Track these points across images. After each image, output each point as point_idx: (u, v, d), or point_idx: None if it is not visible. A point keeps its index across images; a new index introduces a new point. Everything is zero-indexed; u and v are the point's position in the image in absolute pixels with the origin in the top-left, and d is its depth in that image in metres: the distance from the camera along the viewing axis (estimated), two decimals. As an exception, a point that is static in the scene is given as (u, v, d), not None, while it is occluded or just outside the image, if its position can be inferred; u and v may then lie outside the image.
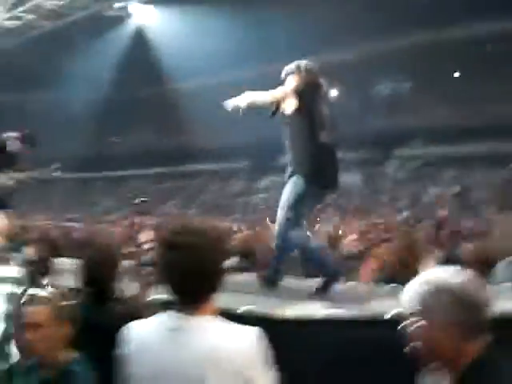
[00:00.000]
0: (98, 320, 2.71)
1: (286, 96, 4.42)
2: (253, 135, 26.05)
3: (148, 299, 3.43)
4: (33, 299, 2.69)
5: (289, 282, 4.58)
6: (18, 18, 32.93)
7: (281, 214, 4.49)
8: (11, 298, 3.53)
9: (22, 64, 35.17)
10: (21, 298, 3.58)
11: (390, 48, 25.59)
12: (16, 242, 7.48)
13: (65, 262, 5.22)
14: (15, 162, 6.71)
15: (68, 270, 4.78)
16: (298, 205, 4.41)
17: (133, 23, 32.83)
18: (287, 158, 4.58)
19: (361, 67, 26.23)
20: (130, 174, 34.42)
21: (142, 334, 2.10)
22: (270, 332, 2.08)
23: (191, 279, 2.00)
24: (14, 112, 33.25)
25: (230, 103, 4.29)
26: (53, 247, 4.86)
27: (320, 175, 4.42)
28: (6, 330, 3.21)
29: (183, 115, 32.03)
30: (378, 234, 9.03)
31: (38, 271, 4.03)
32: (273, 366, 2.05)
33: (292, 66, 4.58)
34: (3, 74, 34.28)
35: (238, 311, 3.14)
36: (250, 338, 2.01)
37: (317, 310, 3.38)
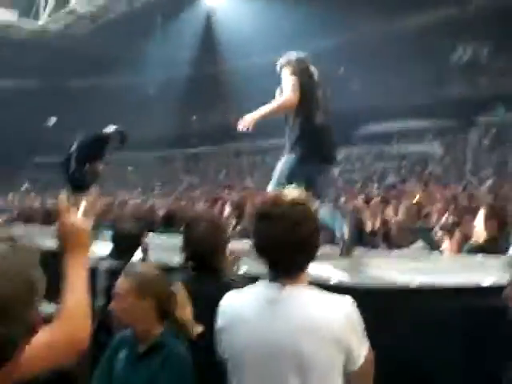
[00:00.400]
0: (202, 293, 2.76)
1: (292, 100, 4.71)
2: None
3: (239, 273, 3.48)
4: (123, 272, 2.79)
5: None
6: (94, 2, 33.62)
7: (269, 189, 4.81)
8: (111, 272, 3.71)
9: (99, 48, 36.07)
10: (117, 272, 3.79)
11: (468, 11, 24.64)
12: (105, 219, 7.81)
13: (153, 238, 5.33)
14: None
15: (157, 246, 4.95)
16: (287, 182, 4.68)
17: (204, 3, 32.98)
18: (286, 140, 4.96)
19: (439, 32, 25.37)
20: (210, 150, 34.86)
21: (238, 305, 2.13)
22: (361, 303, 2.08)
23: (287, 250, 2.00)
24: (92, 96, 34.25)
25: (242, 123, 4.65)
26: (142, 223, 4.98)
27: (316, 152, 4.80)
28: (106, 304, 3.33)
29: (258, 92, 31.98)
30: (462, 204, 8.85)
31: (129, 247, 4.15)
32: (366, 338, 2.06)
33: (283, 60, 4.91)
34: (80, 59, 35.34)
35: (330, 282, 3.15)
36: (347, 307, 2.01)
37: (411, 279, 3.34)
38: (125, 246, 4.08)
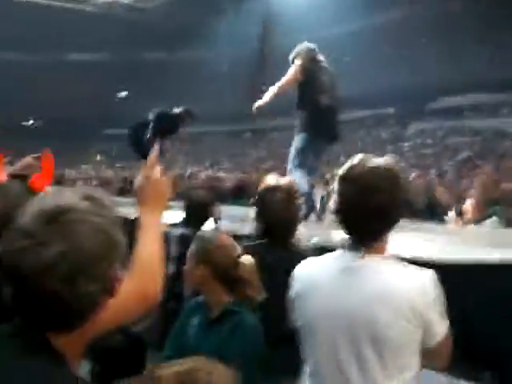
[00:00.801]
0: (274, 263, 2.75)
1: (294, 77, 5.53)
2: (399, 81, 25.25)
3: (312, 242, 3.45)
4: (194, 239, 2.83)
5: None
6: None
7: (289, 166, 5.54)
8: (182, 239, 3.74)
9: (170, 22, 36.44)
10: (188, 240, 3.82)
11: None
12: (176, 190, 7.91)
13: (223, 208, 5.36)
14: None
15: (227, 216, 4.97)
16: (300, 157, 5.46)
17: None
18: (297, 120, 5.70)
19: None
20: (277, 124, 34.73)
21: (313, 273, 2.09)
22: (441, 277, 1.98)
23: (362, 215, 1.94)
24: (163, 70, 34.65)
25: (256, 105, 5.64)
26: (214, 194, 5.00)
27: (323, 131, 5.48)
28: (177, 271, 3.36)
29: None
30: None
31: (200, 215, 4.17)
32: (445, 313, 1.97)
33: (294, 51, 5.63)
34: (152, 32, 35.79)
35: (407, 256, 3.07)
36: (427, 280, 1.93)
37: (487, 254, 3.22)
38: (196, 214, 4.09)
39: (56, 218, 1.11)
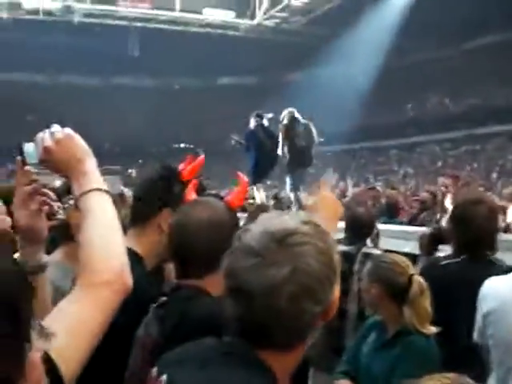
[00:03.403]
0: (478, 280, 2.64)
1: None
2: None
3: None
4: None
5: None
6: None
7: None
8: (345, 256, 3.68)
9: (311, 41, 37.07)
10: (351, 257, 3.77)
11: None
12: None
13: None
14: None
15: (384, 232, 4.86)
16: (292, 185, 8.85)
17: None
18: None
19: None
20: (423, 140, 33.75)
21: (506, 291, 2.02)
22: None
23: None
24: (304, 88, 35.03)
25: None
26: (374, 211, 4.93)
27: (299, 163, 8.74)
28: (342, 289, 3.32)
29: (470, 77, 30.70)
30: None
31: (362, 232, 4.09)
32: None
33: (282, 116, 8.85)
34: (293, 52, 36.51)
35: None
36: None
37: None
38: (359, 231, 4.01)
39: (284, 239, 1.13)
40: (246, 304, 1.11)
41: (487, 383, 2.05)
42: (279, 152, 8.76)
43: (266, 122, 9.34)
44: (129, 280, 1.31)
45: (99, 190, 1.40)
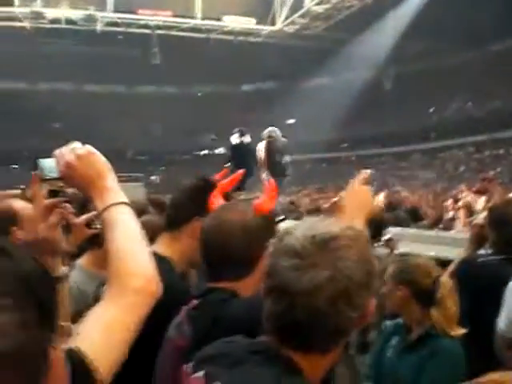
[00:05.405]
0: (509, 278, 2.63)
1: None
2: None
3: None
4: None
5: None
6: (327, 2, 34.46)
7: None
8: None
9: (332, 46, 36.99)
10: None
11: None
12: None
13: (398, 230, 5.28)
14: None
15: (404, 237, 4.85)
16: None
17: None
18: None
19: None
20: (447, 144, 33.43)
21: None
22: None
23: None
24: (323, 93, 34.90)
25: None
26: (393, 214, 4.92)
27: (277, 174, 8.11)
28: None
29: (492, 80, 30.37)
30: None
31: (375, 234, 4.10)
32: None
33: (264, 134, 8.79)
34: (313, 58, 36.44)
35: None
36: None
37: None
38: (371, 233, 4.03)
39: (327, 243, 1.16)
40: (286, 303, 1.14)
41: None
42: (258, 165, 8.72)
43: (247, 139, 9.44)
44: (158, 286, 1.34)
45: (121, 203, 1.43)
